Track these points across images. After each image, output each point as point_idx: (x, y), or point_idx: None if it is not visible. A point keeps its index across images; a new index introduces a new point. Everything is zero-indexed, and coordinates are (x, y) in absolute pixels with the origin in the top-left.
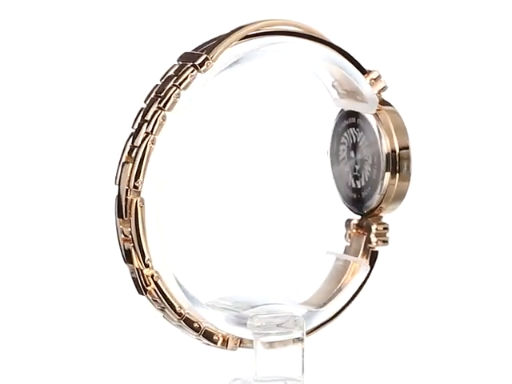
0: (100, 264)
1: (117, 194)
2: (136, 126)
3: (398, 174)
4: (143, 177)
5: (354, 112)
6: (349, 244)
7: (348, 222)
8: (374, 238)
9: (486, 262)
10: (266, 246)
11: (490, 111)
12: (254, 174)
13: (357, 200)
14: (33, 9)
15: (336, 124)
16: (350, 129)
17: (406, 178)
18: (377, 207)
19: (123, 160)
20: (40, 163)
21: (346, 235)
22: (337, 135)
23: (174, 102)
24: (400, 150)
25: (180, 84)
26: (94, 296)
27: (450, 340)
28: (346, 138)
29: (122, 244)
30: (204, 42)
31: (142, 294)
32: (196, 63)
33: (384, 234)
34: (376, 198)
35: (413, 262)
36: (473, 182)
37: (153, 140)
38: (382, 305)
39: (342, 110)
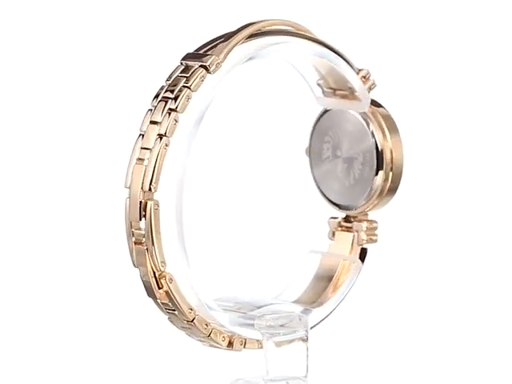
0: (101, 268)
1: (127, 196)
2: (145, 128)
3: (391, 172)
4: (157, 179)
5: (339, 111)
6: (333, 242)
7: (332, 220)
8: (364, 236)
9: (472, 255)
10: (248, 245)
11: (476, 109)
12: (247, 173)
13: (345, 198)
14: (35, 11)
15: (318, 123)
16: (336, 128)
17: (399, 175)
18: (367, 205)
19: (134, 163)
20: (43, 166)
21: (329, 233)
22: (319, 134)
23: (185, 104)
24: (393, 147)
25: (190, 85)
26: (98, 299)
27: (444, 331)
28: (330, 136)
29: (132, 247)
30: (205, 42)
31: (154, 298)
32: (205, 64)
33: (373, 232)
34: (367, 195)
35: (397, 257)
36: (458, 178)
37: (166, 142)
38: (375, 302)
39: (324, 108)
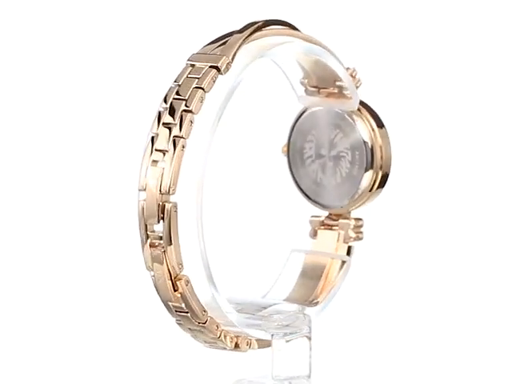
0: (104, 271)
1: (142, 199)
2: (157, 130)
3: (380, 171)
4: (175, 181)
5: (324, 109)
6: (316, 241)
7: (314, 218)
8: (352, 234)
9: (455, 247)
10: (231, 245)
11: (457, 106)
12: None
13: (330, 197)
14: (43, 14)
15: (300, 122)
16: (320, 126)
17: (387, 173)
18: (353, 203)
19: (148, 165)
20: (47, 169)
21: (311, 232)
22: (301, 133)
23: (199, 105)
24: (382, 145)
25: (204, 87)
26: (102, 302)
27: (437, 323)
28: (314, 135)
29: (147, 250)
30: (209, 42)
31: (166, 300)
32: (217, 65)
33: (360, 229)
34: (355, 194)
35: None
36: (438, 174)
37: (183, 144)
38: (367, 299)
39: (305, 107)
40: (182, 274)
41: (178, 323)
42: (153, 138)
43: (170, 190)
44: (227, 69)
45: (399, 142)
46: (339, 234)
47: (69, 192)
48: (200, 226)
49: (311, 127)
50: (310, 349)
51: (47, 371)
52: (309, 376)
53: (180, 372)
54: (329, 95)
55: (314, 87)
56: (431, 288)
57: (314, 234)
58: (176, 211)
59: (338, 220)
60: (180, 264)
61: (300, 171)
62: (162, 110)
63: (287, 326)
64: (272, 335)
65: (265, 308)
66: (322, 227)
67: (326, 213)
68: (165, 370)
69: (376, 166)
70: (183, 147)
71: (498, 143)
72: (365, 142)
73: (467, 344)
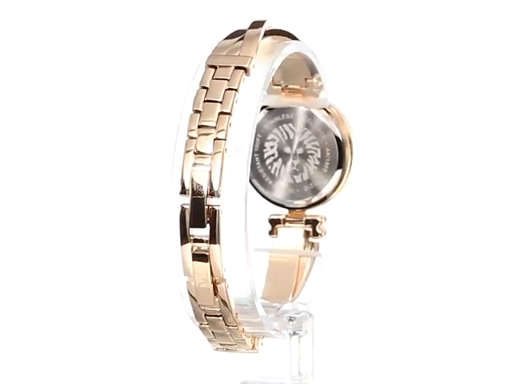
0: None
1: (185, 203)
2: (192, 133)
3: (350, 168)
4: (221, 184)
5: (287, 108)
6: (277, 239)
7: (274, 216)
8: (319, 230)
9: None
10: None
11: (428, 106)
12: None
13: (292, 195)
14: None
15: (258, 122)
16: (284, 125)
17: (355, 170)
18: (318, 201)
19: (189, 168)
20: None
21: (271, 230)
22: (260, 133)
23: (235, 106)
24: (353, 142)
25: (236, 87)
26: (113, 303)
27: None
28: (276, 134)
29: (189, 255)
30: (219, 42)
31: (207, 305)
32: (245, 66)
33: (324, 225)
34: (324, 191)
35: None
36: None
37: (226, 146)
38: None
39: (264, 107)
40: (223, 277)
41: (202, 327)
42: (186, 142)
43: (217, 193)
44: (252, 68)
45: (369, 140)
46: (304, 231)
47: (88, 198)
48: (246, 229)
49: (273, 126)
50: (313, 345)
51: (50, 371)
52: (312, 373)
53: (183, 373)
54: (295, 93)
55: (277, 85)
56: (428, 283)
57: (275, 233)
58: (222, 214)
59: (301, 217)
60: (223, 267)
61: (260, 170)
62: (192, 113)
63: (301, 325)
64: (290, 334)
65: (278, 309)
66: (284, 225)
67: (286, 211)
68: (169, 371)
69: (345, 164)
70: (226, 149)
71: (468, 144)
72: (336, 139)
73: (467, 340)
